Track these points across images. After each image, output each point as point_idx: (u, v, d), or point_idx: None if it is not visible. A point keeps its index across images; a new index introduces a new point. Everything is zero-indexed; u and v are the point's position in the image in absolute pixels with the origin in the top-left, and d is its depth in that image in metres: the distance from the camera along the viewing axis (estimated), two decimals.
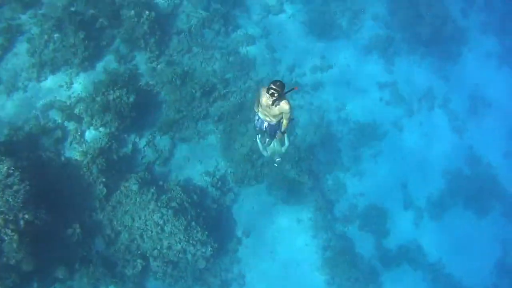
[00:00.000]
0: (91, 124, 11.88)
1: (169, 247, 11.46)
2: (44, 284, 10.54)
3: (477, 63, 19.64)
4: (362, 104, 16.19)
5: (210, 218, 12.28)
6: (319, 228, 13.96)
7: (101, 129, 11.94)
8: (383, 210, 15.33)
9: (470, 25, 20.25)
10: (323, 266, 13.77)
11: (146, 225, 11.38)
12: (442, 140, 17.41)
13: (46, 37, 12.24)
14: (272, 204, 13.73)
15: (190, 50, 14.02)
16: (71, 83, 12.37)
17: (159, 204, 11.46)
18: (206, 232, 11.70)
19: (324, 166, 14.80)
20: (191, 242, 11.49)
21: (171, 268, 11.71)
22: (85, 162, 11.36)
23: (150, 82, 13.08)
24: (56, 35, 12.27)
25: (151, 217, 11.37)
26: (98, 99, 11.70)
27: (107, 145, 11.74)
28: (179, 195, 11.86)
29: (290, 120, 7.66)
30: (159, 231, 11.35)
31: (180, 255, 11.56)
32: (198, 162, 13.13)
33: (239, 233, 13.25)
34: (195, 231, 11.56)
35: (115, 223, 11.55)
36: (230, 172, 13.30)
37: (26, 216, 9.55)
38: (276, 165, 9.89)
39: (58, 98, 12.08)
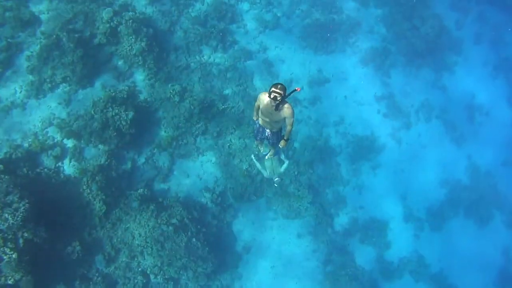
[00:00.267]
0: (90, 142, 11.92)
1: (169, 264, 11.40)
2: None
3: (473, 73, 19.70)
4: (359, 117, 16.23)
5: (210, 234, 12.25)
6: (320, 242, 13.92)
7: (100, 146, 11.98)
8: (384, 222, 15.30)
9: (465, 36, 20.38)
10: (324, 280, 13.69)
11: (147, 242, 11.34)
12: (441, 150, 17.41)
13: (45, 54, 12.34)
14: (272, 219, 13.71)
15: (188, 67, 14.09)
16: (70, 100, 12.42)
17: (159, 221, 11.44)
18: (207, 248, 11.68)
19: (323, 180, 14.78)
20: (191, 258, 11.45)
21: (172, 285, 11.68)
22: (84, 179, 11.38)
23: (149, 99, 13.14)
24: (54, 53, 12.36)
25: (152, 234, 11.33)
26: (97, 116, 11.76)
27: (106, 162, 11.78)
28: (179, 211, 11.83)
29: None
30: (160, 248, 11.30)
31: (181, 272, 11.52)
32: (197, 178, 13.12)
33: (239, 248, 13.19)
34: (195, 247, 11.52)
35: (115, 240, 11.51)
36: (230, 187, 13.27)
37: (25, 235, 9.54)
38: (276, 185, 9.81)
39: (57, 115, 12.13)
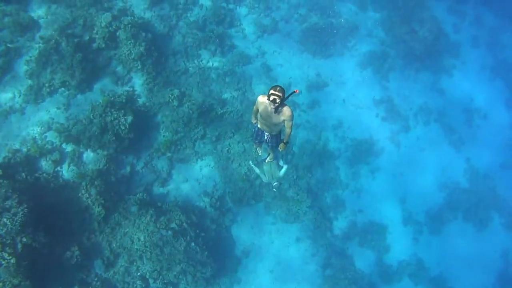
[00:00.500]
0: (89, 146, 11.91)
1: (169, 269, 11.38)
2: None
3: (471, 76, 19.80)
4: (358, 120, 16.27)
5: (209, 239, 12.24)
6: (319, 246, 13.92)
7: (99, 151, 11.97)
8: (383, 226, 15.33)
9: (462, 39, 20.49)
10: (323, 284, 13.68)
11: (146, 246, 11.32)
12: (439, 154, 17.45)
13: (44, 59, 12.35)
14: (271, 223, 13.71)
15: (187, 71, 14.11)
16: (69, 105, 12.43)
17: (158, 225, 11.43)
18: (206, 253, 11.67)
19: (322, 184, 14.80)
20: (190, 263, 11.43)
21: None
22: (83, 184, 11.36)
23: (147, 104, 13.15)
24: (53, 57, 12.38)
25: (151, 238, 11.32)
26: (96, 120, 11.77)
27: (105, 167, 11.77)
28: (178, 216, 11.82)
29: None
30: (159, 253, 11.28)
31: (180, 276, 11.50)
32: (196, 183, 13.11)
33: (238, 253, 13.18)
34: (194, 251, 11.51)
35: (114, 245, 11.48)
36: (229, 192, 13.27)
37: (24, 240, 9.53)
38: (275, 190, 9.79)
39: (55, 120, 12.12)
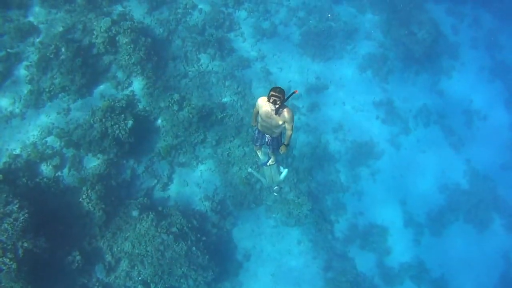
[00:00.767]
0: (90, 151, 11.92)
1: (170, 273, 11.37)
2: None
3: (470, 78, 19.85)
4: (358, 123, 16.30)
5: (210, 243, 12.23)
6: (320, 249, 13.90)
7: (99, 155, 11.98)
8: (384, 228, 15.33)
9: (461, 40, 20.55)
10: (325, 287, 13.65)
11: (147, 251, 11.31)
12: (439, 155, 17.46)
13: (44, 64, 12.38)
14: (272, 227, 13.70)
15: (187, 75, 14.14)
16: (69, 110, 12.44)
17: (159, 229, 11.42)
18: (207, 257, 11.65)
19: (322, 187, 14.80)
20: (192, 267, 11.42)
21: None
22: (84, 188, 11.35)
23: (148, 108, 13.16)
24: (53, 63, 12.40)
25: (152, 243, 11.31)
26: (96, 125, 11.78)
27: (106, 172, 11.77)
28: (179, 220, 11.81)
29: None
30: (160, 257, 11.27)
31: (181, 281, 11.49)
32: (197, 187, 13.12)
33: (239, 256, 13.17)
34: (195, 256, 11.50)
35: (115, 249, 11.48)
36: (229, 196, 13.27)
37: (25, 245, 9.52)
38: (275, 194, 9.79)
39: (56, 125, 12.13)
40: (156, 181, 12.69)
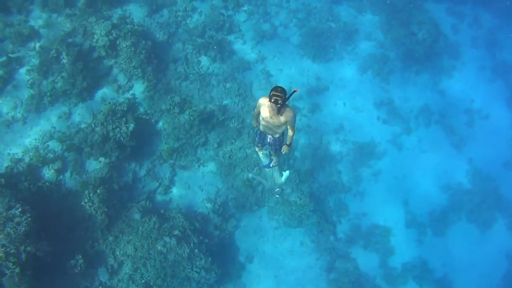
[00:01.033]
0: (91, 154, 11.92)
1: (173, 275, 11.37)
2: None
3: (471, 77, 19.83)
4: (359, 124, 16.29)
5: (213, 245, 12.22)
6: (323, 250, 13.88)
7: (101, 159, 11.98)
8: (386, 228, 15.31)
9: (461, 40, 20.54)
10: None
11: (149, 254, 11.31)
12: (441, 155, 17.44)
13: (45, 68, 12.40)
14: (275, 228, 13.68)
15: (187, 78, 14.15)
16: (70, 114, 12.46)
17: (161, 232, 11.43)
18: (210, 259, 11.64)
19: (324, 188, 14.80)
20: (195, 269, 11.42)
21: None
22: (86, 192, 11.34)
23: (149, 111, 13.16)
24: (54, 67, 12.43)
25: (154, 245, 11.31)
26: (98, 129, 11.78)
27: (108, 175, 11.77)
28: (181, 223, 11.81)
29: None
30: (163, 260, 11.27)
31: (184, 283, 11.47)
32: (199, 189, 13.11)
33: (242, 258, 13.16)
34: (198, 258, 11.49)
35: (117, 253, 11.47)
36: (231, 198, 13.26)
37: (28, 249, 9.50)
38: (277, 196, 9.74)
39: (57, 129, 12.15)
40: (158, 184, 12.69)
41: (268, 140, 8.02)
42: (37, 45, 12.82)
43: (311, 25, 17.14)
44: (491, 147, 18.34)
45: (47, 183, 11.35)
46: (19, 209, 9.67)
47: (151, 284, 11.35)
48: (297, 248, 13.72)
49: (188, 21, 15.23)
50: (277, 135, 7.74)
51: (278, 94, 6.46)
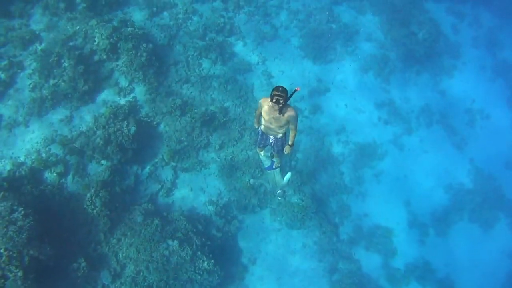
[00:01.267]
0: (93, 157, 11.93)
1: (175, 278, 11.36)
2: None
3: (472, 77, 19.85)
4: (361, 124, 16.30)
5: (215, 247, 12.20)
6: (325, 251, 13.85)
7: (103, 162, 11.99)
8: (388, 229, 15.29)
9: (462, 40, 20.59)
10: None
11: (152, 256, 11.30)
12: (443, 155, 17.44)
13: (46, 72, 12.43)
14: (277, 230, 13.66)
15: (188, 80, 14.16)
16: (72, 117, 12.47)
17: (164, 235, 11.42)
18: (212, 261, 11.61)
19: (326, 189, 14.80)
20: (197, 271, 11.40)
21: None
22: (88, 195, 11.34)
23: (150, 114, 13.18)
24: (55, 70, 12.45)
25: (157, 248, 11.31)
26: (99, 132, 11.80)
27: (110, 178, 11.76)
28: (183, 225, 11.80)
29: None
30: (165, 262, 11.27)
31: (187, 286, 11.45)
32: (201, 191, 13.10)
33: (245, 260, 13.13)
34: (201, 260, 11.48)
35: (120, 256, 11.46)
36: (234, 200, 13.25)
37: (31, 252, 9.52)
38: (279, 198, 9.70)
39: (59, 132, 12.16)
40: (160, 186, 12.69)
41: (270, 141, 7.99)
42: (39, 48, 12.86)
43: (312, 26, 17.16)
44: (492, 147, 18.36)
45: (49, 187, 11.36)
46: (22, 213, 9.68)
47: (154, 286, 11.34)
48: (300, 249, 13.69)
49: (188, 24, 15.25)
50: (279, 136, 7.72)
51: (279, 93, 6.47)
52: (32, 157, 11.61)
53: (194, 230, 11.90)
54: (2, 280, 9.15)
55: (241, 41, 15.90)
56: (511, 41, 21.56)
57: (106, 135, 11.73)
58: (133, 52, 13.03)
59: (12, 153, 11.62)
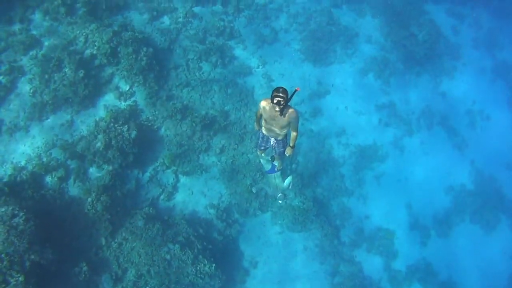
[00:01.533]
0: (94, 162, 11.94)
1: (177, 282, 11.36)
2: None
3: (472, 78, 19.83)
4: (361, 127, 16.29)
5: (217, 251, 12.20)
6: (327, 254, 13.85)
7: (104, 166, 12.00)
8: (390, 231, 15.26)
9: (462, 41, 20.57)
10: None
11: (153, 260, 11.31)
12: (444, 157, 17.41)
13: (46, 77, 12.44)
14: (278, 233, 13.67)
15: (189, 84, 14.17)
16: (73, 121, 12.49)
17: (165, 239, 11.43)
18: (214, 265, 11.61)
19: (327, 192, 14.78)
20: (199, 275, 11.40)
21: None
22: (89, 200, 11.37)
23: (151, 118, 13.20)
24: (56, 75, 12.47)
25: (158, 252, 11.31)
26: (100, 136, 11.81)
27: (111, 182, 11.77)
28: (185, 229, 11.82)
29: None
30: (167, 266, 11.27)
31: None
32: (202, 195, 13.11)
33: (246, 263, 13.14)
34: (202, 264, 11.48)
35: (121, 260, 11.47)
36: (235, 203, 13.26)
37: (32, 257, 9.52)
38: (280, 201, 9.64)
39: (60, 136, 12.18)
40: (161, 190, 12.69)
41: (271, 143, 7.95)
42: (39, 53, 12.88)
43: (312, 29, 17.17)
44: (493, 148, 18.34)
45: (50, 191, 11.39)
46: (23, 217, 9.69)
47: None
48: (301, 252, 13.69)
49: (188, 27, 15.28)
50: (280, 137, 7.69)
51: (280, 95, 6.40)
52: (33, 162, 11.63)
53: (195, 234, 11.91)
54: (4, 285, 9.14)
55: (241, 44, 15.92)
56: (511, 42, 21.55)
57: (107, 139, 11.74)
58: (134, 56, 13.05)
59: (13, 158, 11.64)
